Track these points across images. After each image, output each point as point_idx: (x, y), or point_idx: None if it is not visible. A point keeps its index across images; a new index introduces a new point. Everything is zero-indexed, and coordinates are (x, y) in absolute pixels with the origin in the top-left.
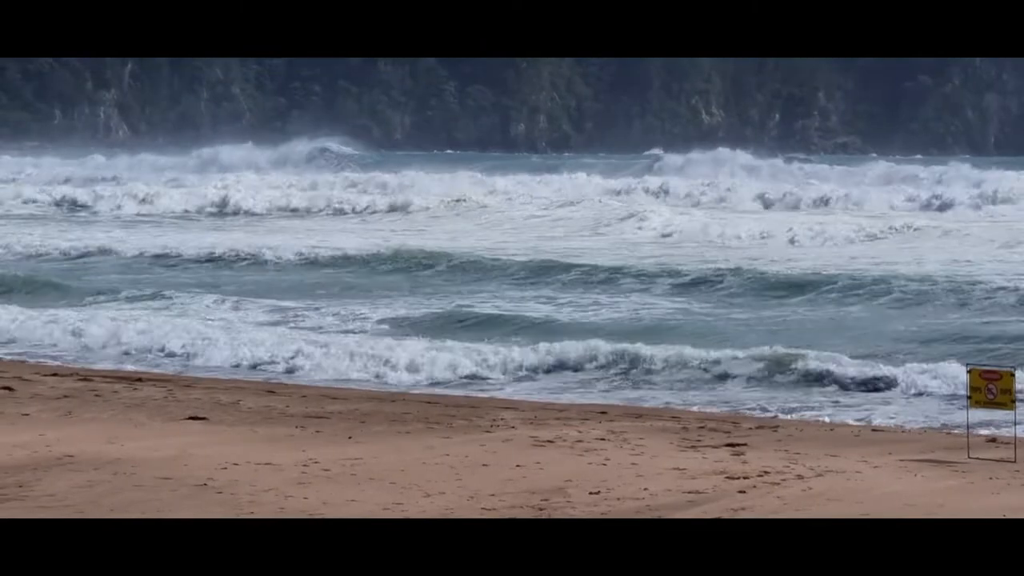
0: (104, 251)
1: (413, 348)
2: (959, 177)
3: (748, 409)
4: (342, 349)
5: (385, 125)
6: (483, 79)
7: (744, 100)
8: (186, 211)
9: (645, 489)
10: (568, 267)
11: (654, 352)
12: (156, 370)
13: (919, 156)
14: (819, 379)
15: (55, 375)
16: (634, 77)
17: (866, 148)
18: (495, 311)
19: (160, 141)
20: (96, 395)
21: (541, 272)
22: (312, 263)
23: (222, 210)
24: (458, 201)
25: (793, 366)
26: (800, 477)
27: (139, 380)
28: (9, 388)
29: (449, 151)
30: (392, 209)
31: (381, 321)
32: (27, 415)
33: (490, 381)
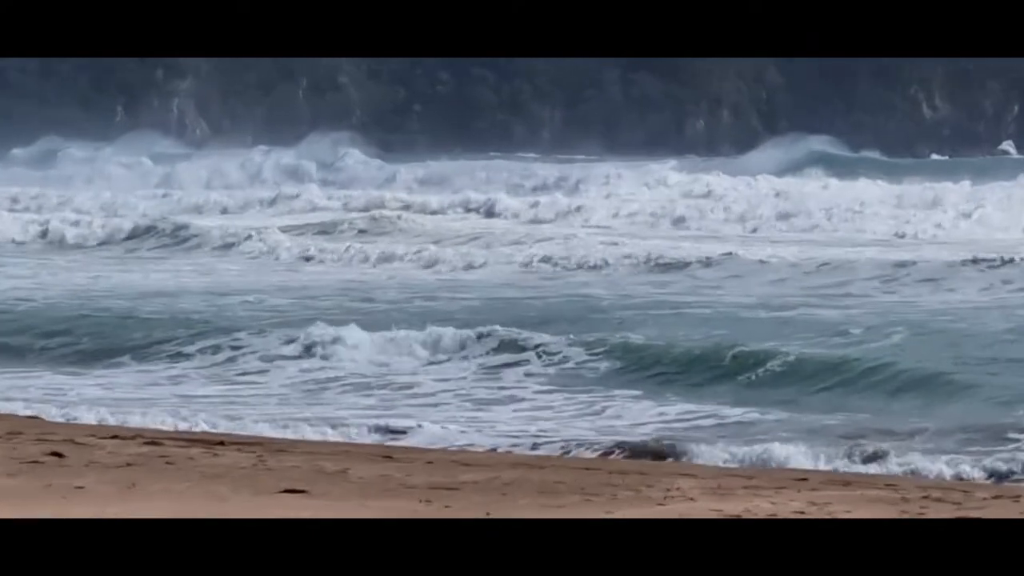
0: None
1: None
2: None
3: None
4: None
5: (529, 122)
6: (651, 65)
7: (975, 90)
8: None
9: None
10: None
11: None
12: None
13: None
14: None
15: (115, 437)
16: (838, 63)
17: None
18: None
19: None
20: (167, 462)
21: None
22: None
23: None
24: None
25: None
26: None
27: (220, 444)
28: (58, 454)
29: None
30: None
31: None
32: (81, 488)
33: None
